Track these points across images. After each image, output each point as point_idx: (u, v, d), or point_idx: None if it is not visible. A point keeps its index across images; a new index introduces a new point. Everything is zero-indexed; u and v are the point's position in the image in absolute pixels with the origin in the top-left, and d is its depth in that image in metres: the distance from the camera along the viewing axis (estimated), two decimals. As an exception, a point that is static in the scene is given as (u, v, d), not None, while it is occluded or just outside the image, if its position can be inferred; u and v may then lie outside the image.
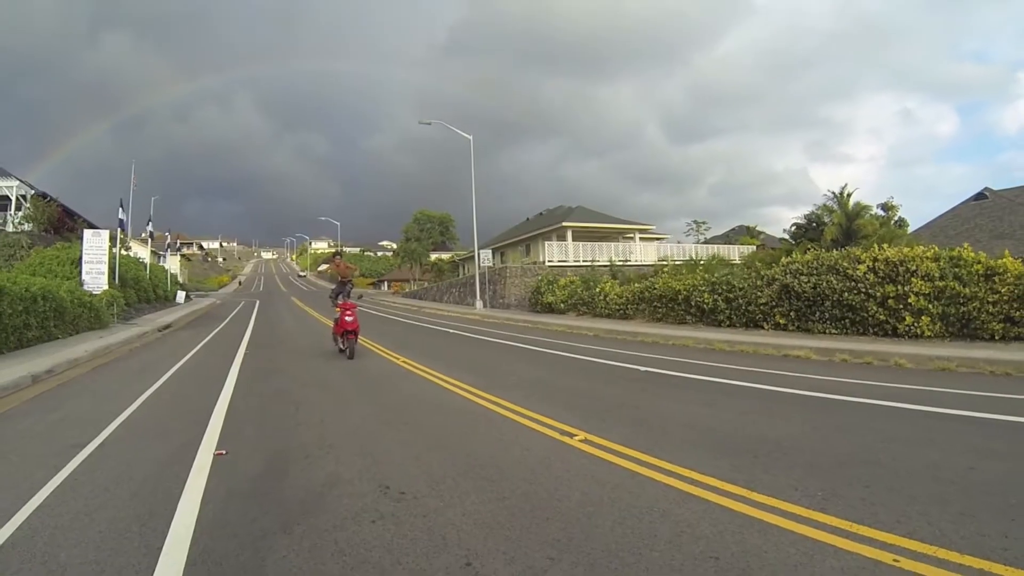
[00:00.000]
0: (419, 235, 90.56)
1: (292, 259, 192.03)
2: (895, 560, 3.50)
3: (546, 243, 45.16)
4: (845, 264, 16.02)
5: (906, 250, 15.38)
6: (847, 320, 15.79)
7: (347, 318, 14.27)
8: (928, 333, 14.29)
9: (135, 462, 5.96)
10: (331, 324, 16.85)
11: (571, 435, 6.60)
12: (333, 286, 17.47)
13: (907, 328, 14.55)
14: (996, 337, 13.46)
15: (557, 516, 4.32)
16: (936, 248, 15.37)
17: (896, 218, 50.17)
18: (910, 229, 43.84)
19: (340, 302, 15.35)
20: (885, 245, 16.46)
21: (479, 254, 39.01)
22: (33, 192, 40.87)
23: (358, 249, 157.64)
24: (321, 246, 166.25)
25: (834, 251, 17.59)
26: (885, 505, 4.35)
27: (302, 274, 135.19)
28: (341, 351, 14.86)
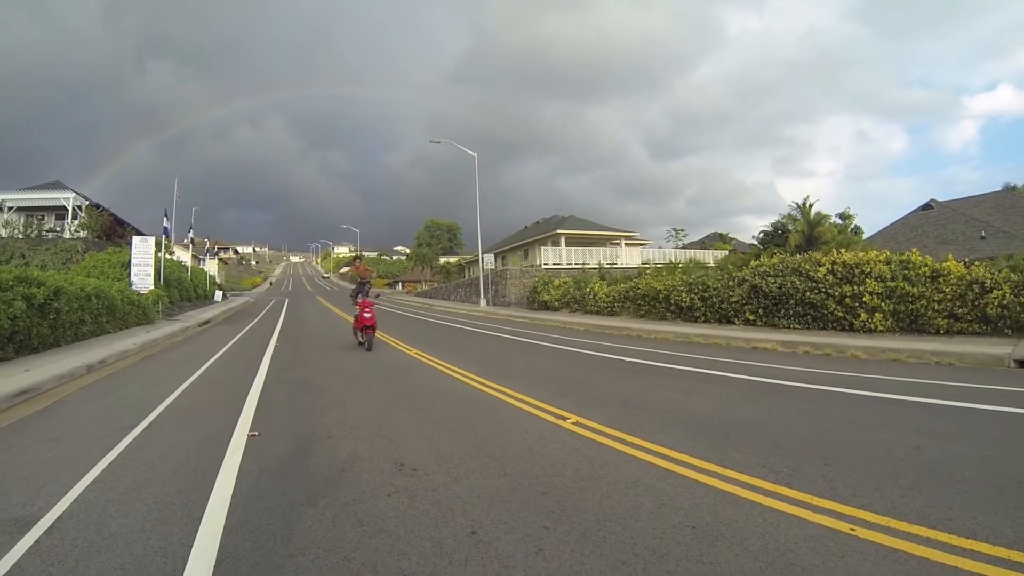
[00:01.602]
0: (430, 241, 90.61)
1: (317, 262, 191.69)
2: (852, 529, 3.52)
3: (542, 248, 45.07)
4: (807, 267, 16.00)
5: (861, 254, 15.36)
6: (809, 316, 15.76)
7: (366, 314, 14.35)
8: (881, 328, 14.26)
9: (177, 443, 5.97)
10: (351, 320, 16.91)
11: (564, 418, 6.60)
12: (353, 286, 17.22)
13: (862, 324, 14.52)
14: (941, 331, 13.43)
15: (552, 490, 4.33)
16: (888, 252, 15.35)
17: (852, 226, 50.07)
18: (865, 236, 43.81)
19: (360, 300, 15.46)
20: (843, 250, 16.48)
21: (483, 258, 38.96)
22: (87, 203, 40.91)
23: (375, 253, 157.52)
24: (343, 250, 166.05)
25: (798, 255, 17.60)
26: (843, 480, 4.37)
27: (325, 276, 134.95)
28: (360, 344, 14.90)
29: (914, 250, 15.17)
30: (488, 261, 39.13)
